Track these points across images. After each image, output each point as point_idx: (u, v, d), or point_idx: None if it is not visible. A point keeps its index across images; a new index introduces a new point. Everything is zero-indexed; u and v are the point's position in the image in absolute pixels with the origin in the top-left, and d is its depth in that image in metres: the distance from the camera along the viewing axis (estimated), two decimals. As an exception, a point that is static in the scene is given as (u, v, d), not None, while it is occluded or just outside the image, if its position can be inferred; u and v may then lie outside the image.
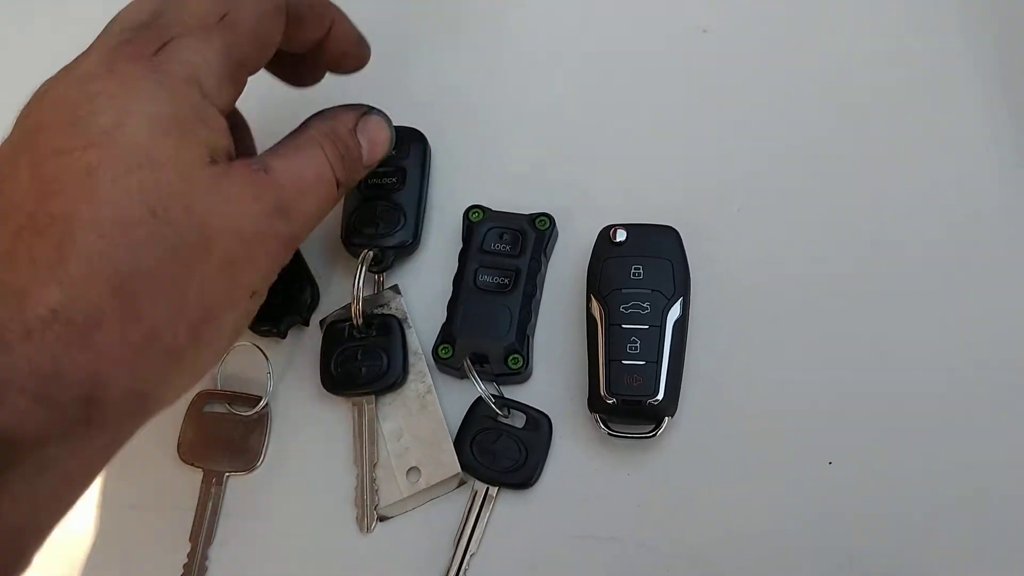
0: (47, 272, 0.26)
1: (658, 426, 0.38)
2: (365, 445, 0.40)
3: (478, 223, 0.43)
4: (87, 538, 0.42)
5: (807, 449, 0.39)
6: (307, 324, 0.43)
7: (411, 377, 0.42)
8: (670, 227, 0.40)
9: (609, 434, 0.39)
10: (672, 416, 0.39)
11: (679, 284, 0.39)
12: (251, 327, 0.42)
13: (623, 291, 0.39)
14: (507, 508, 0.40)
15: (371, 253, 0.42)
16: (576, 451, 0.40)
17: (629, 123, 0.46)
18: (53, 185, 0.27)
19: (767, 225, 0.43)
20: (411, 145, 0.44)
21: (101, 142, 0.27)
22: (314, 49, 0.37)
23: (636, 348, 0.38)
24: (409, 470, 0.40)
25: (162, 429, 0.42)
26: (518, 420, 0.40)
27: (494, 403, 0.40)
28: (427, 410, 0.41)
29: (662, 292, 0.39)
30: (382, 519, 0.40)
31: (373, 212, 0.43)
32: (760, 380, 0.40)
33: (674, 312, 0.39)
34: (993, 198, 0.42)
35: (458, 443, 0.40)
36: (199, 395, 0.42)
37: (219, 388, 0.43)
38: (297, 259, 0.44)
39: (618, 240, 0.40)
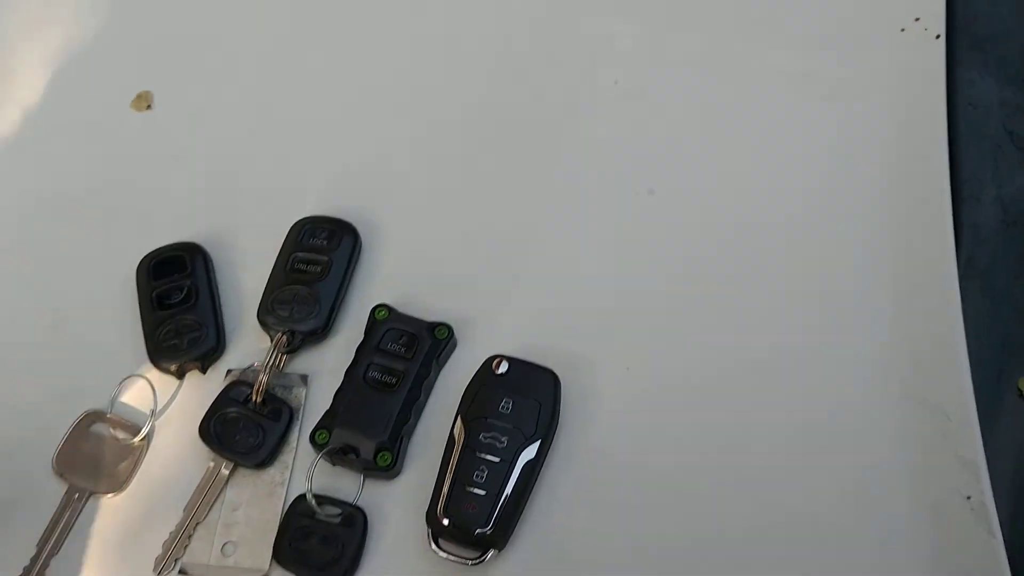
0: None
1: (483, 556, 0.39)
2: (200, 501, 0.42)
3: (381, 321, 0.45)
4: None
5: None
6: (203, 372, 0.46)
7: (275, 465, 0.44)
8: (551, 371, 0.42)
9: (435, 551, 0.40)
10: (500, 550, 0.40)
11: (541, 427, 0.41)
12: (152, 361, 0.45)
13: (487, 420, 0.41)
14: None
15: (285, 337, 0.45)
16: (404, 558, 0.41)
17: (559, 263, 0.48)
18: None
19: (648, 394, 0.44)
20: (343, 238, 0.47)
21: None
22: None
23: (482, 478, 0.39)
24: (226, 544, 0.42)
25: (47, 435, 0.45)
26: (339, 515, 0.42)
27: (313, 500, 0.41)
28: (272, 499, 0.43)
29: (522, 431, 0.40)
30: (182, 572, 0.41)
31: (291, 296, 0.46)
32: (594, 538, 0.41)
33: (528, 453, 0.40)
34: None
35: (278, 539, 0.41)
36: (88, 414, 0.45)
37: (109, 412, 0.45)
38: (214, 310, 0.47)
39: (500, 371, 0.42)
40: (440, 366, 0.45)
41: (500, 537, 0.39)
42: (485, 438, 0.40)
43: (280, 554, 0.41)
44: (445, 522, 0.39)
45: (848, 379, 0.44)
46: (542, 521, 0.41)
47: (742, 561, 0.40)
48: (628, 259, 0.48)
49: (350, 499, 0.42)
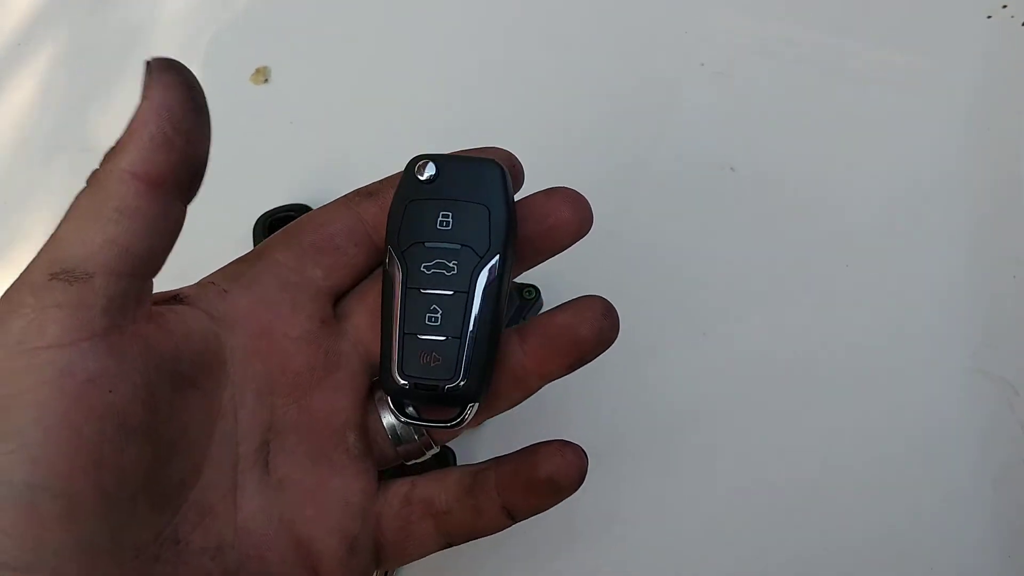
0: None
1: (461, 414, 0.32)
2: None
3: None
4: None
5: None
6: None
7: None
8: (492, 161, 0.31)
9: (402, 420, 0.32)
10: (479, 401, 0.32)
11: (496, 237, 0.30)
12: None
13: (425, 245, 0.30)
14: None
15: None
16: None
17: (644, 232, 0.51)
18: None
19: (730, 370, 0.46)
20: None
21: None
22: None
23: (436, 320, 0.30)
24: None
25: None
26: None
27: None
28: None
29: (473, 248, 0.30)
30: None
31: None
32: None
33: (486, 274, 0.30)
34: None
35: None
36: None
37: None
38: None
39: (425, 177, 0.31)
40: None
41: (479, 384, 0.31)
42: (427, 269, 0.30)
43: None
44: (404, 384, 0.30)
45: (920, 349, 0.46)
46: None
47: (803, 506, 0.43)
48: (708, 232, 0.51)
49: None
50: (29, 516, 0.22)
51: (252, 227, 0.53)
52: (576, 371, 0.32)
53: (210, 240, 0.54)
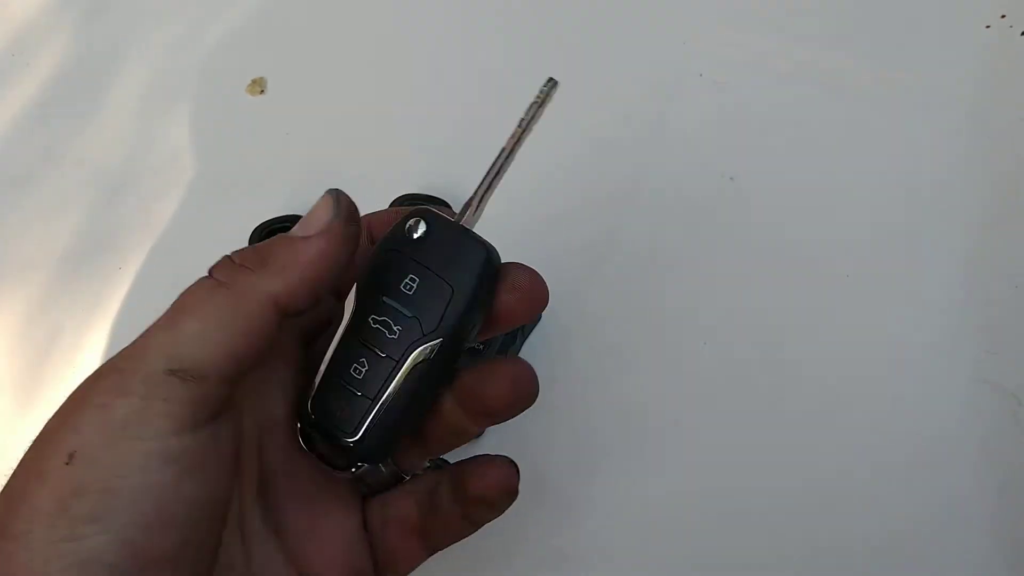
0: None
1: (349, 468, 0.30)
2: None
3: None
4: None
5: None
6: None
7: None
8: (483, 246, 0.29)
9: (305, 447, 0.30)
10: (375, 464, 0.31)
11: (447, 321, 0.28)
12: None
13: (383, 299, 0.29)
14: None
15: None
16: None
17: (640, 245, 0.51)
18: None
19: (723, 370, 0.46)
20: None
21: None
22: None
23: (360, 373, 0.29)
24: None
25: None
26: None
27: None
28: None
29: (421, 323, 0.29)
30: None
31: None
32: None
33: (422, 353, 0.29)
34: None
35: None
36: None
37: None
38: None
39: (416, 235, 0.29)
40: (525, 336, 0.48)
41: (370, 450, 0.29)
42: (375, 322, 0.29)
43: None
44: (312, 417, 0.30)
45: (922, 359, 0.45)
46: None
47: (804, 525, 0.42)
48: (708, 241, 0.50)
49: (436, 453, 0.45)
50: None
51: (248, 237, 0.52)
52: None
53: (206, 251, 0.54)
